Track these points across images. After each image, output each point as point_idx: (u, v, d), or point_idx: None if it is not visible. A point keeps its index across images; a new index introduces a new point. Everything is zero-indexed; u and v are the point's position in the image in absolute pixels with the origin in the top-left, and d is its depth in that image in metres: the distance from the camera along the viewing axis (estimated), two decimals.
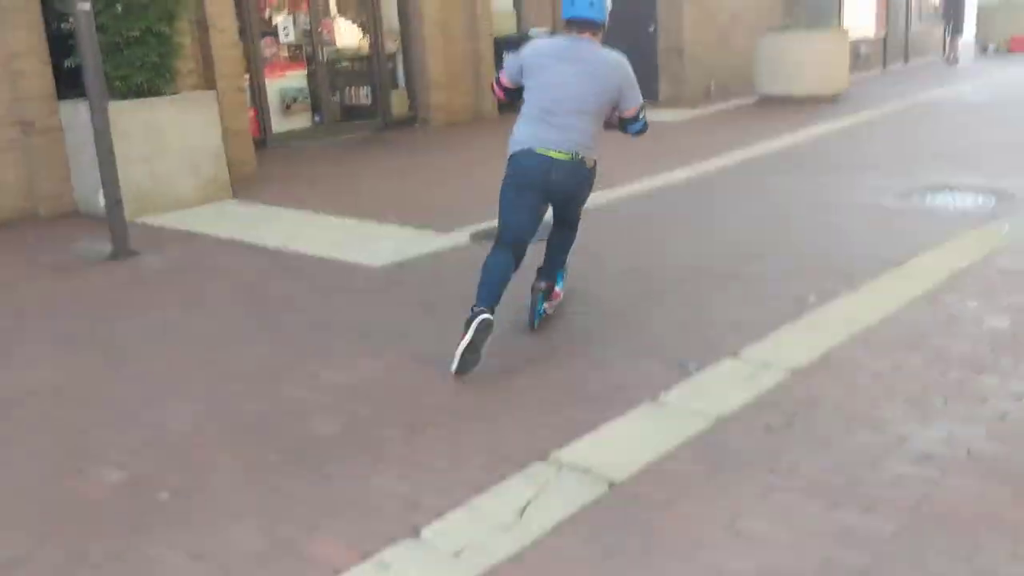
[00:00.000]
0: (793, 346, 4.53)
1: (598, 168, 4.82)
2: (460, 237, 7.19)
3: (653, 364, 4.37)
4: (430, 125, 13.53)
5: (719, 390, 4.03)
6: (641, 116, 4.83)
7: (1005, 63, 18.11)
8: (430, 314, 5.38)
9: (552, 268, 5.12)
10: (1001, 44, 19.45)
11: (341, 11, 13.32)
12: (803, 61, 13.74)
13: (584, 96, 4.58)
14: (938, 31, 20.02)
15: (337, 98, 13.33)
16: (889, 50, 17.89)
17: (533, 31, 13.80)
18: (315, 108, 12.70)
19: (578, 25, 4.65)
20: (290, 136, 12.18)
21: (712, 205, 7.89)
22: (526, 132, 4.69)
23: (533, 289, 4.98)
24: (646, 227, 7.30)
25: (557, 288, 5.21)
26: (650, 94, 14.90)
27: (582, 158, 4.63)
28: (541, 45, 4.83)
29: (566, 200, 4.90)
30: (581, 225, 5.22)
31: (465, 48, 13.83)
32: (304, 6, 12.45)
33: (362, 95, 13.48)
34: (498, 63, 14.22)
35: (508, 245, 4.64)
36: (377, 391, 4.30)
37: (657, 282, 5.77)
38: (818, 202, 7.80)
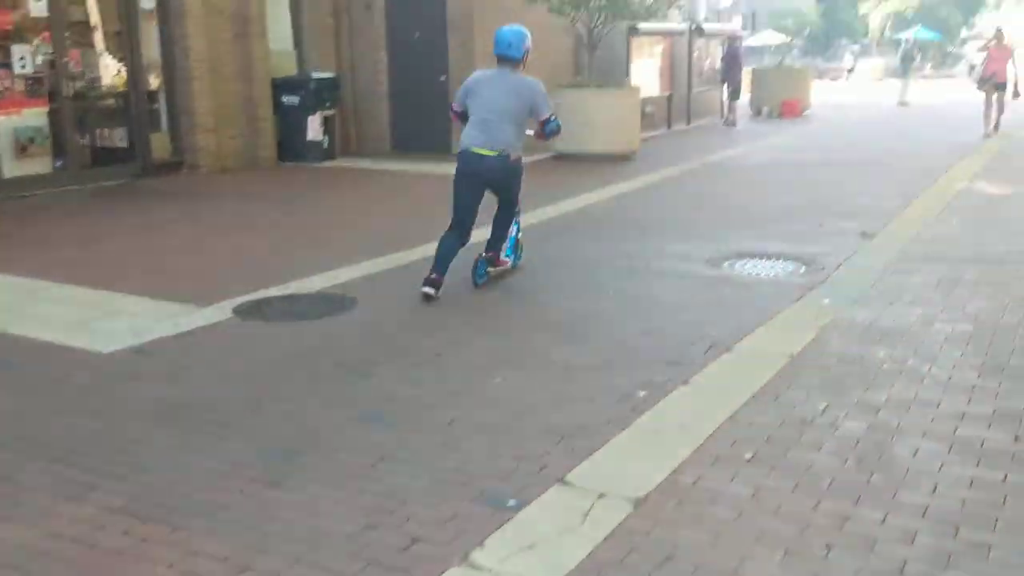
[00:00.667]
0: (630, 463, 3.67)
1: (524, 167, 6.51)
2: (222, 312, 5.95)
3: (461, 504, 3.35)
4: (198, 171, 12.06)
5: (547, 540, 3.07)
6: (553, 118, 6.53)
7: (779, 127, 18.76)
8: (168, 425, 4.13)
9: (496, 240, 6.74)
10: (774, 108, 20.22)
11: (92, 40, 11.65)
12: (597, 118, 13.40)
13: (509, 108, 6.32)
14: (716, 93, 20.60)
15: (86, 140, 11.60)
16: (673, 110, 18.12)
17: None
18: (57, 151, 10.94)
19: (502, 60, 6.45)
20: (24, 183, 10.37)
21: (517, 275, 7.05)
22: (468, 136, 6.34)
23: (478, 255, 6.62)
24: (433, 309, 6.33)
25: (504, 257, 6.85)
26: (442, 147, 14.11)
27: (507, 154, 6.32)
28: (479, 75, 6.61)
29: (499, 187, 6.53)
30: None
31: (238, 88, 12.50)
32: (45, 33, 10.74)
33: (117, 137, 11.81)
34: (277, 105, 13.05)
35: (455, 224, 6.37)
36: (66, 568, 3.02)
37: (454, 376, 4.79)
38: (629, 269, 7.14)
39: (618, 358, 5.00)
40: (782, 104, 20.31)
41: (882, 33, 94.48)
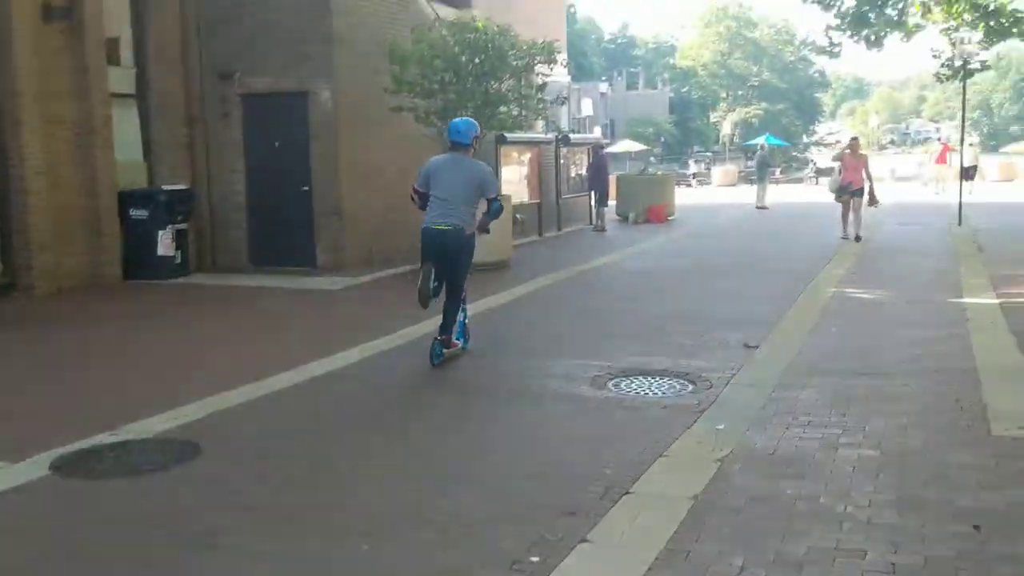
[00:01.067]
0: None
1: None
2: (37, 468, 5.05)
3: None
4: (32, 294, 10.95)
5: None
6: (497, 198, 7.57)
7: (647, 232, 18.87)
8: None
9: (447, 325, 7.58)
10: (640, 214, 20.44)
11: None
12: None
13: (461, 190, 7.37)
14: (585, 200, 20.72)
15: None
16: (544, 217, 18.02)
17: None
18: None
19: (455, 146, 7.54)
20: None
21: (382, 407, 6.37)
22: (430, 215, 7.41)
23: (434, 338, 7.51)
24: (290, 456, 5.57)
25: (455, 340, 7.72)
26: (307, 260, 13.41)
27: (461, 227, 7.35)
28: (436, 160, 7.68)
29: (452, 259, 7.41)
30: None
31: (81, 202, 11.56)
32: None
33: None
34: (124, 219, 12.12)
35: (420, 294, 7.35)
36: None
37: (311, 545, 4.05)
38: (511, 394, 6.59)
39: (504, 509, 4.38)
40: (648, 210, 20.54)
41: (731, 140, 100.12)
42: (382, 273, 13.04)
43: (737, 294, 10.75)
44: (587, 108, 39.48)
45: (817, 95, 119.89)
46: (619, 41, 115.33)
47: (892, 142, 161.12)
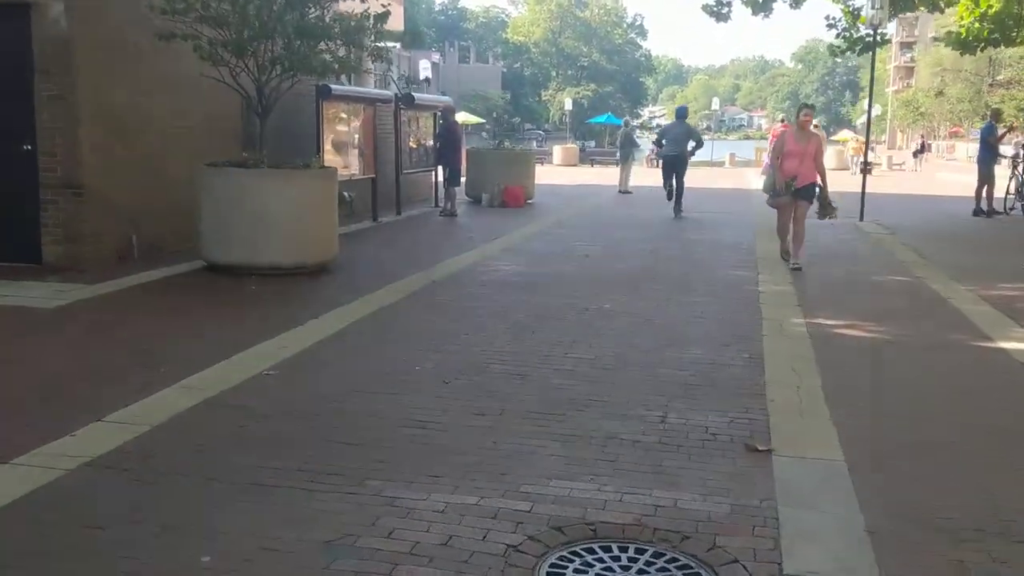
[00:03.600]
0: None
1: None
2: None
3: None
4: None
5: None
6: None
7: (506, 219, 15.15)
8: None
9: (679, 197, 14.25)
10: (495, 196, 16.73)
11: None
12: (275, 214, 8.88)
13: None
14: (431, 177, 16.81)
15: None
16: (380, 197, 14.02)
17: None
18: None
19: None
20: None
21: None
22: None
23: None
24: None
25: None
26: (26, 254, 8.87)
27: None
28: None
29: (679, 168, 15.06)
30: None
31: None
32: None
33: None
34: None
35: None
36: None
37: None
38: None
39: None
40: (505, 191, 16.84)
41: (561, 119, 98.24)
42: (143, 276, 8.71)
43: (668, 324, 7.22)
44: (426, 71, 35.29)
45: (642, 79, 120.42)
46: (450, 12, 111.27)
47: (708, 128, 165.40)
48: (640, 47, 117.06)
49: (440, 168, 15.70)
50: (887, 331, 7.09)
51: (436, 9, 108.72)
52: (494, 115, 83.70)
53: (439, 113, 15.94)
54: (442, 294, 8.47)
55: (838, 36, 17.01)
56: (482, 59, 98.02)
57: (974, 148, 59.44)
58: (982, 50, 17.89)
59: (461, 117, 53.92)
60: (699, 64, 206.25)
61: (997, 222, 16.06)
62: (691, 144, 16.22)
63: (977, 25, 16.94)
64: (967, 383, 5.77)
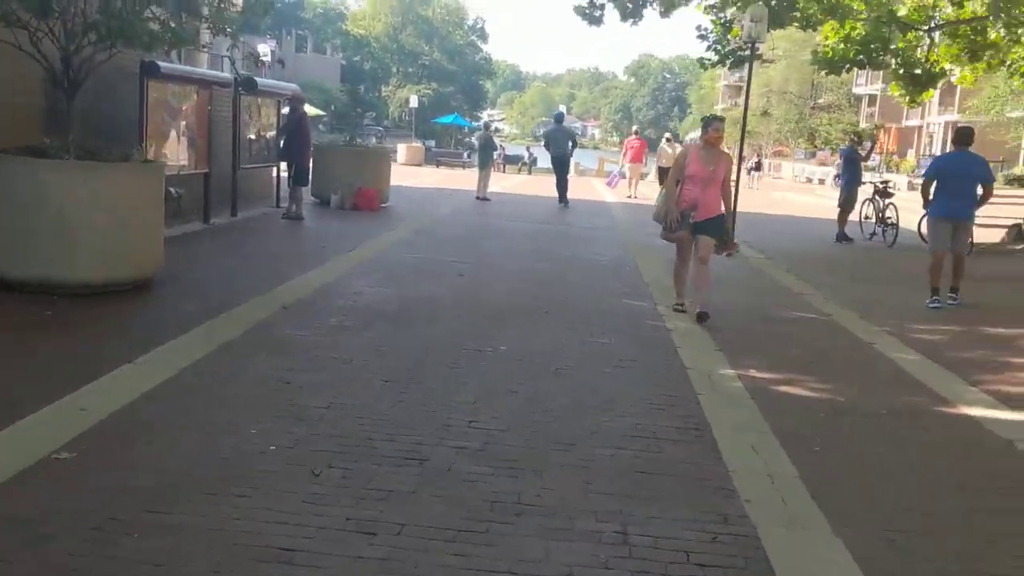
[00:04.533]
0: None
1: None
2: None
3: None
4: None
5: None
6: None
7: (361, 225, 13.49)
8: None
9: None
10: (346, 198, 15.00)
11: None
12: (82, 217, 6.97)
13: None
14: (271, 174, 14.88)
15: None
16: (213, 195, 12.08)
17: None
18: None
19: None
20: None
21: None
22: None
23: None
24: None
25: None
26: None
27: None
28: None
29: None
30: None
31: None
32: None
33: None
34: None
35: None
36: None
37: None
38: None
39: None
40: (357, 193, 15.14)
41: (404, 116, 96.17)
42: None
43: (583, 380, 5.88)
44: (266, 56, 32.66)
45: (482, 82, 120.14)
46: (287, 0, 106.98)
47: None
48: (481, 50, 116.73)
49: (285, 164, 13.83)
50: (834, 390, 6.02)
51: None
52: (332, 108, 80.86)
53: (285, 102, 14.06)
54: (295, 327, 6.81)
55: (709, 48, 16.35)
56: (320, 50, 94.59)
57: (799, 168, 61.76)
58: (847, 71, 17.74)
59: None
60: (537, 71, 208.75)
61: (856, 248, 15.80)
62: (570, 144, 19.46)
63: (843, 46, 16.69)
64: (964, 472, 4.72)
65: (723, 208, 8.05)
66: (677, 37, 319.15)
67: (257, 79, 13.18)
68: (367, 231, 12.58)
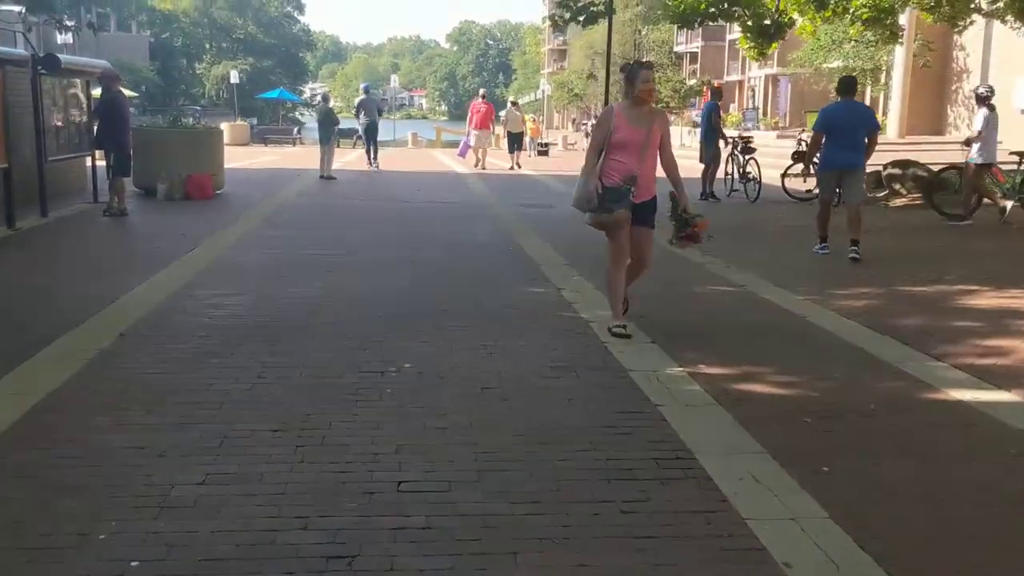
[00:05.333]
0: None
1: None
2: None
3: None
4: None
5: None
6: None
7: (196, 215, 11.80)
8: None
9: None
10: (176, 186, 13.17)
11: None
12: None
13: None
14: (84, 164, 12.85)
15: None
16: (16, 194, 10.10)
17: None
18: None
19: None
20: None
21: None
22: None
23: None
24: None
25: None
26: None
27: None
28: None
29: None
30: None
31: None
32: None
33: None
34: None
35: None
36: None
37: None
38: None
39: None
40: (188, 180, 13.34)
41: (219, 94, 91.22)
42: None
43: (522, 402, 4.76)
44: (65, 37, 29.46)
45: (302, 55, 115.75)
46: None
47: (387, 104, 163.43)
48: (298, 21, 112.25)
49: (104, 152, 11.88)
50: (801, 384, 5.16)
51: None
52: (144, 88, 75.60)
53: (94, 81, 12.06)
54: (141, 361, 5.32)
55: (561, 4, 15.40)
56: (124, 28, 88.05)
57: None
58: (699, 24, 17.24)
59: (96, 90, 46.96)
60: (358, 41, 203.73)
61: (723, 207, 15.37)
62: (377, 112, 21.19)
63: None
64: (1014, 480, 3.95)
65: (677, 190, 6.20)
66: (496, 1, 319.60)
67: (59, 56, 11.16)
68: (207, 225, 10.94)
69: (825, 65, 38.21)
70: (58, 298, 6.86)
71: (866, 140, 9.41)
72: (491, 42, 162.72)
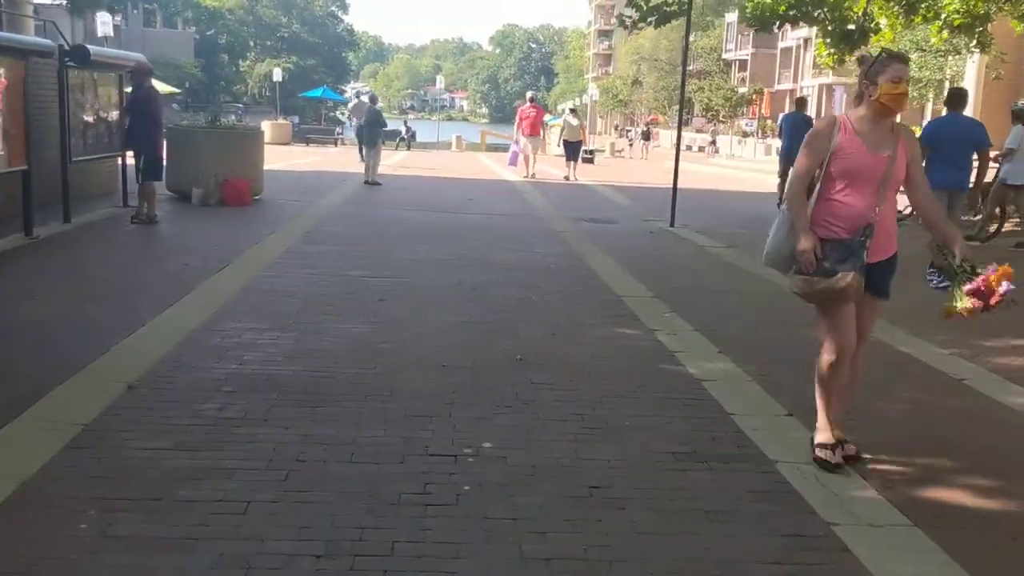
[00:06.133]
0: None
1: None
2: None
3: None
4: None
5: None
6: None
7: (229, 227, 10.76)
8: None
9: None
10: (212, 191, 12.13)
11: None
12: None
13: None
14: (115, 165, 11.81)
15: None
16: (36, 197, 9.09)
17: None
18: None
19: None
20: None
21: None
22: None
23: None
24: None
25: None
26: None
27: None
28: None
29: None
30: None
31: None
32: None
33: None
34: None
35: None
36: None
37: None
38: None
39: None
40: (224, 185, 12.29)
41: (261, 92, 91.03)
42: None
43: (672, 528, 3.58)
44: (106, 27, 28.71)
45: (345, 54, 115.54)
46: None
47: (412, 107, 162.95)
48: (342, 21, 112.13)
49: (132, 154, 10.83)
50: (1010, 495, 3.91)
51: None
52: (187, 85, 75.48)
53: (127, 75, 11.01)
54: (149, 429, 4.16)
55: (630, 3, 14.12)
56: (170, 24, 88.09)
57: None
58: (779, 27, 15.94)
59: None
60: (400, 43, 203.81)
61: None
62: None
63: (769, 1, 14.85)
64: None
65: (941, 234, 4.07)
66: (540, 5, 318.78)
67: (89, 48, 10.12)
68: (242, 236, 9.84)
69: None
70: (60, 332, 5.75)
71: (975, 158, 8.65)
72: (534, 45, 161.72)
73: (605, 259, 9.46)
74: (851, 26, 15.37)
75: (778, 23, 15.14)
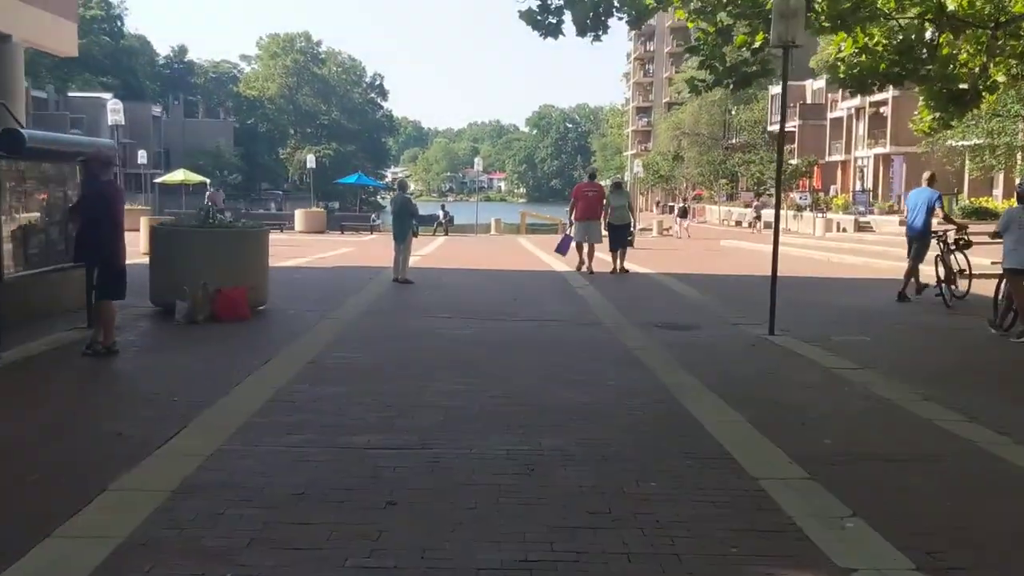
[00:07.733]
0: None
1: None
2: None
3: None
4: None
5: None
6: None
7: (225, 353, 8.33)
8: None
9: None
10: (201, 303, 9.70)
11: None
12: None
13: None
14: (69, 276, 9.53)
15: None
16: None
17: None
18: None
19: None
20: None
21: None
22: None
23: None
24: None
25: None
26: None
27: None
28: None
29: None
30: None
31: None
32: None
33: None
34: None
35: None
36: None
37: None
38: None
39: None
40: (217, 296, 9.91)
41: (301, 179, 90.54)
42: None
43: None
44: (116, 115, 27.12)
45: (384, 139, 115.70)
46: (175, 66, 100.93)
47: (451, 189, 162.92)
48: (381, 107, 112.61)
49: (85, 263, 8.45)
50: None
51: (160, 62, 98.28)
52: (225, 172, 75.09)
53: (81, 164, 8.74)
54: None
55: (703, 65, 11.79)
56: (212, 114, 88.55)
57: (724, 210, 58.60)
58: (879, 89, 13.55)
59: (179, 176, 44.51)
60: (439, 126, 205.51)
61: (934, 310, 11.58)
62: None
63: (863, 58, 12.45)
64: None
65: None
66: (574, 86, 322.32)
67: (24, 132, 7.88)
68: (221, 373, 7.37)
69: (953, 143, 33.92)
70: None
71: None
72: (570, 125, 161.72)
73: (707, 398, 6.84)
74: (963, 85, 12.88)
75: (878, 84, 12.70)
